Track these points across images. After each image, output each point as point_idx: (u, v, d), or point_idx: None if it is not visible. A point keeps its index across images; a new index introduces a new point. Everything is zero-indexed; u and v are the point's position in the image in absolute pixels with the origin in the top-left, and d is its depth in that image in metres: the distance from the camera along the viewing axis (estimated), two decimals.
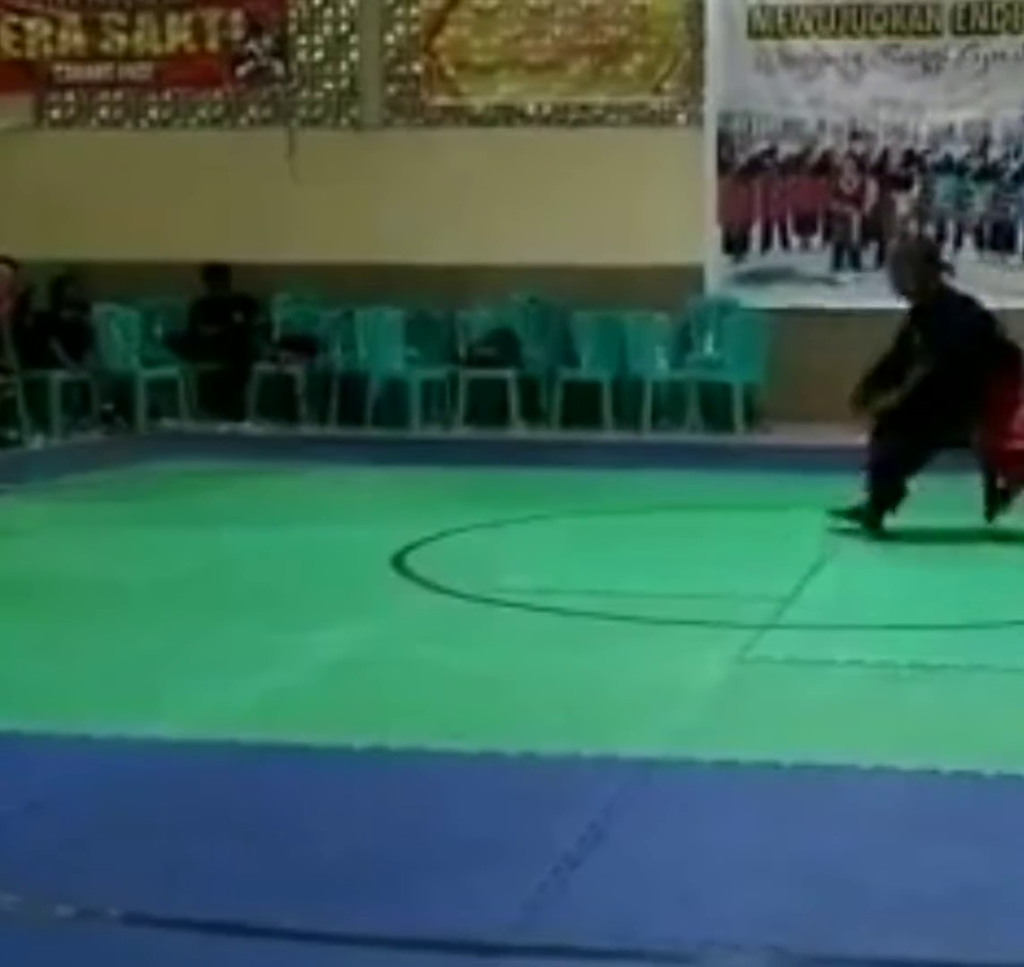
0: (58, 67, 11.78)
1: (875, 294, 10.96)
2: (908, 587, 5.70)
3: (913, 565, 6.12)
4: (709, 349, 11.04)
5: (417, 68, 11.45)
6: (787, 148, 11.11)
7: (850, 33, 10.96)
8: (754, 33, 11.06)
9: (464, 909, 2.77)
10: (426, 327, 10.97)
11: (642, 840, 3.15)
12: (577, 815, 3.24)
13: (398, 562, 5.99)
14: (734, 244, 11.17)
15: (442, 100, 11.43)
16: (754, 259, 11.17)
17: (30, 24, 11.81)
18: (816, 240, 11.12)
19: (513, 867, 2.96)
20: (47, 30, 11.79)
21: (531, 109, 11.39)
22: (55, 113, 11.88)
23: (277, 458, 8.90)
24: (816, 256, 11.11)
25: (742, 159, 11.15)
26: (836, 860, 3.01)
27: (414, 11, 11.41)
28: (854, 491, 8.02)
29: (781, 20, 11.04)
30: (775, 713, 4.08)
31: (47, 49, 11.81)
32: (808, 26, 11.02)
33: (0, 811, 3.28)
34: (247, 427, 10.74)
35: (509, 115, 11.39)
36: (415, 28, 11.42)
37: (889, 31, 10.90)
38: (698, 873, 2.96)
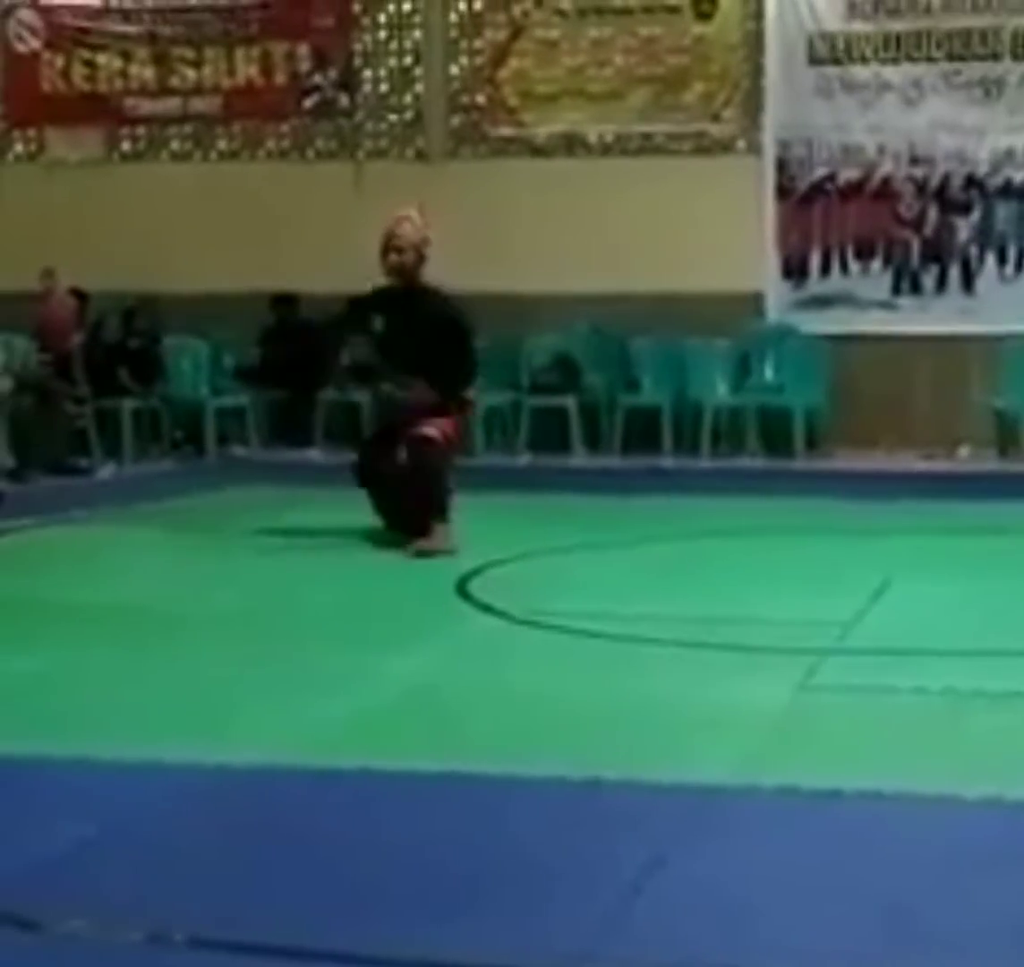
0: (129, 101, 11.99)
1: (935, 319, 11.02)
2: (971, 612, 5.64)
3: (975, 590, 6.05)
4: (769, 374, 11.09)
5: (481, 99, 11.59)
6: (846, 174, 11.15)
7: (910, 59, 11.00)
8: (814, 60, 11.12)
9: (527, 937, 2.76)
10: (488, 355, 11.07)
11: (704, 868, 3.10)
12: (640, 841, 3.22)
13: (461, 588, 6.03)
14: (793, 270, 11.22)
15: (505, 130, 11.57)
16: (813, 284, 11.21)
17: (101, 58, 12.03)
18: (876, 265, 11.15)
19: (576, 894, 2.95)
20: (118, 64, 12.01)
21: (592, 138, 11.51)
22: (126, 146, 12.09)
23: (343, 485, 8.99)
24: (876, 281, 11.13)
25: (801, 185, 11.20)
26: (898, 890, 2.96)
27: (478, 43, 11.56)
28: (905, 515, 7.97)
29: (841, 47, 11.10)
30: (838, 740, 4.04)
31: (118, 83, 12.03)
32: (868, 52, 11.07)
33: (73, 836, 3.27)
34: (314, 454, 10.86)
35: (571, 144, 11.52)
36: (479, 60, 11.56)
37: (950, 57, 10.93)
38: (760, 902, 2.93)
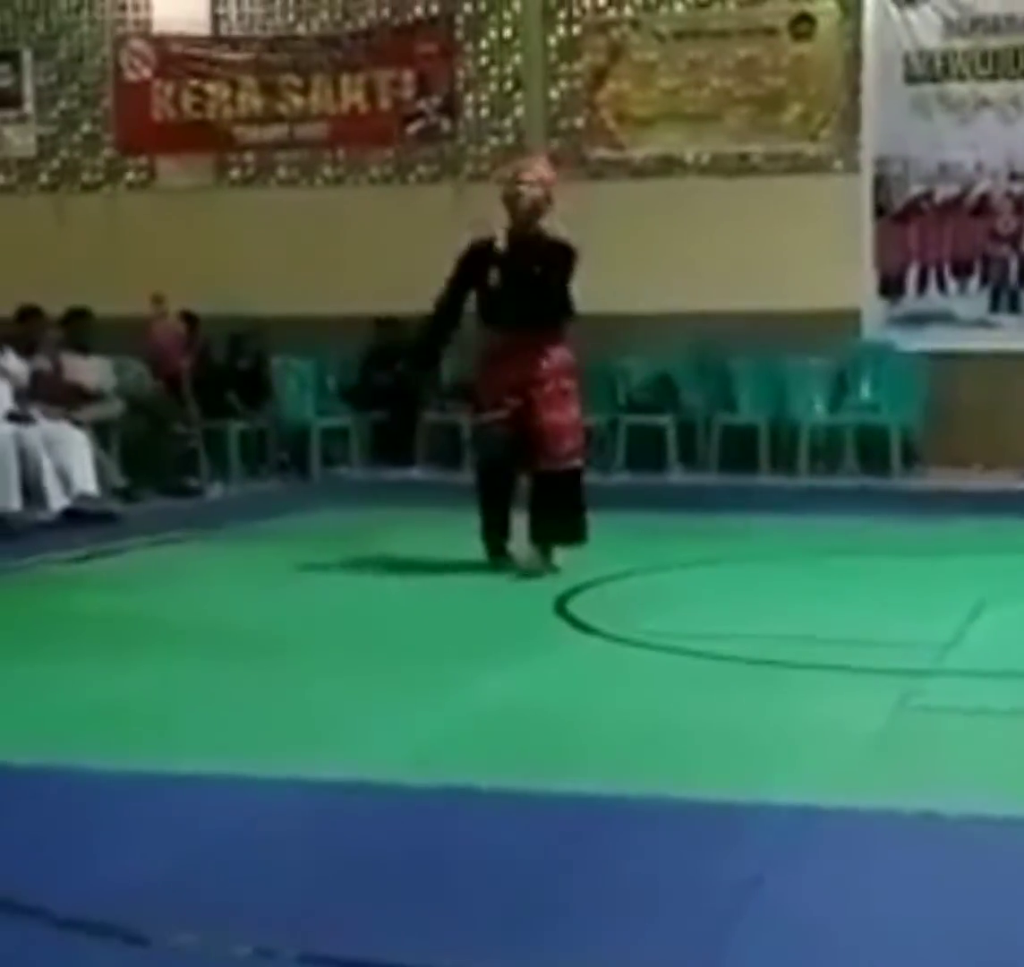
0: (237, 128, 12.24)
1: None
2: None
3: None
4: (866, 393, 11.08)
5: (579, 122, 11.72)
6: (943, 191, 11.12)
7: (1008, 75, 10.97)
8: (911, 78, 11.13)
9: (622, 958, 2.78)
10: (586, 375, 11.18)
11: (800, 892, 3.11)
12: (736, 864, 3.24)
13: (560, 607, 6.10)
14: (891, 288, 11.23)
15: (603, 152, 11.70)
16: (910, 302, 11.20)
17: (210, 87, 12.30)
18: (973, 283, 11.10)
19: (670, 917, 2.97)
20: (227, 93, 12.26)
21: (689, 159, 11.61)
22: (234, 173, 12.36)
23: (444, 504, 9.12)
24: (973, 299, 11.08)
25: (898, 203, 11.20)
26: (998, 918, 2.98)
27: (576, 67, 11.70)
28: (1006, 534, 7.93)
29: (938, 64, 11.09)
30: (935, 762, 4.02)
31: (227, 111, 12.28)
32: (965, 70, 11.06)
33: (179, 850, 3.34)
34: (416, 474, 11.01)
35: (668, 166, 11.63)
36: (577, 83, 11.69)
37: None
38: (856, 929, 2.93)
